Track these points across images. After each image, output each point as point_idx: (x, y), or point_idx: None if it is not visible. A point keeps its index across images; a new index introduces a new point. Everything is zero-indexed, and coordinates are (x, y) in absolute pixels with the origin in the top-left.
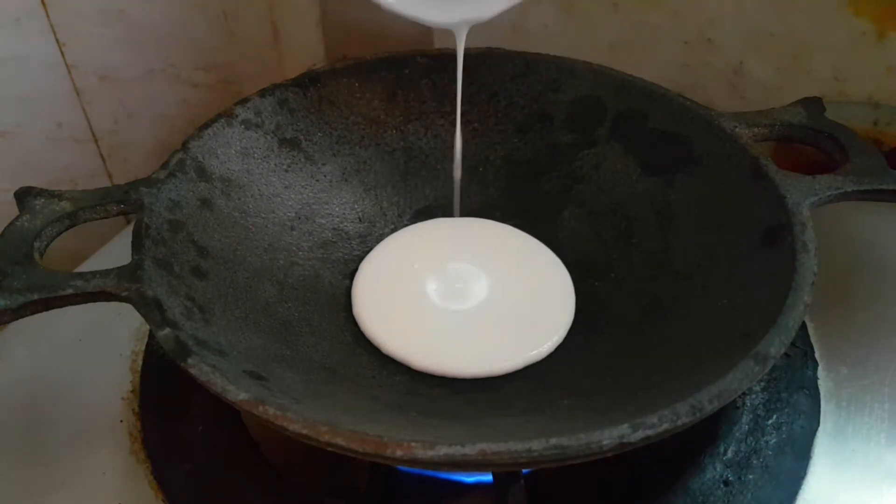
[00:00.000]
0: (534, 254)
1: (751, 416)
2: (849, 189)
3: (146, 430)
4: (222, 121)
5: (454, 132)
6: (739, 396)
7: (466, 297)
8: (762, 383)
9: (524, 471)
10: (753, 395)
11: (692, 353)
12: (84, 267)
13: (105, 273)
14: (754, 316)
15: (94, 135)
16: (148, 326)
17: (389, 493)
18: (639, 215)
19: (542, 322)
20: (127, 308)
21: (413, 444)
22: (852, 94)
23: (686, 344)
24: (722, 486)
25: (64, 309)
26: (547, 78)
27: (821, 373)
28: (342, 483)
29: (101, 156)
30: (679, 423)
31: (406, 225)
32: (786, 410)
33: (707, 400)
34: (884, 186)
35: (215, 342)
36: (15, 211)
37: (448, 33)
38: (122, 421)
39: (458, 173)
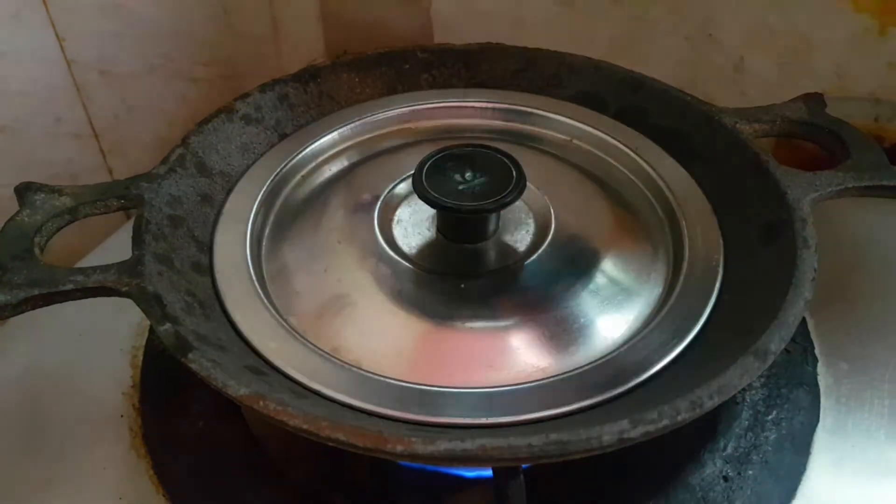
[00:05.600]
0: None
1: (751, 411)
2: (850, 185)
3: (146, 425)
4: (222, 116)
5: None
6: (739, 392)
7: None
8: (762, 379)
9: (524, 466)
10: (753, 391)
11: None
12: (84, 262)
13: (105, 268)
14: (754, 311)
15: (94, 130)
16: (148, 321)
17: (389, 488)
18: None
19: None
20: (127, 303)
21: (413, 440)
22: (853, 90)
23: None
24: (722, 481)
25: (64, 304)
26: (547, 73)
27: (821, 369)
28: (342, 478)
29: (102, 151)
30: (679, 418)
31: None
32: (786, 406)
33: (707, 395)
34: (885, 182)
35: (216, 337)
36: (15, 206)
37: (448, 30)
38: (122, 416)
39: None
